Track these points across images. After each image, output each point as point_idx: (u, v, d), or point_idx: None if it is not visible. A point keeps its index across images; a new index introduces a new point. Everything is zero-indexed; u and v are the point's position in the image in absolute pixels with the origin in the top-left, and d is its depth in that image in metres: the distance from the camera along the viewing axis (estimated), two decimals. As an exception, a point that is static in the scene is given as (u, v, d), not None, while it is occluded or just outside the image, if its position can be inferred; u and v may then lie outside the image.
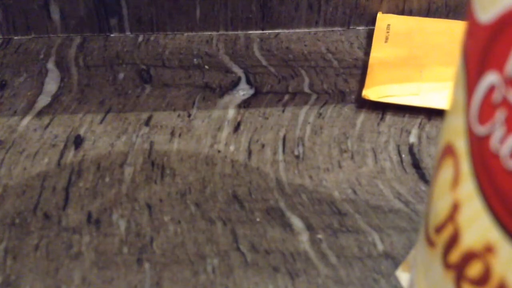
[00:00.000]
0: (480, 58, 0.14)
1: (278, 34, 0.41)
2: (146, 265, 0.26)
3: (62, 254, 0.26)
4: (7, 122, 0.33)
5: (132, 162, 0.31)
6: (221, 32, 0.42)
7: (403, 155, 0.31)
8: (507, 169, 0.13)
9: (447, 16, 0.42)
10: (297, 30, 0.42)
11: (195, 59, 0.39)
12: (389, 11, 0.42)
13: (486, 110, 0.13)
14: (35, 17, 0.40)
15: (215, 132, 0.33)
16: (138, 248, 0.26)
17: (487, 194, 0.14)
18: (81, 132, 0.33)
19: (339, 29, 0.42)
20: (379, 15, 0.42)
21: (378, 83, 0.35)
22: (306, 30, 0.42)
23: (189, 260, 0.26)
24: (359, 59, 0.39)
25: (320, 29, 0.42)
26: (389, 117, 0.34)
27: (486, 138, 0.13)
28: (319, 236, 0.27)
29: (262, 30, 0.42)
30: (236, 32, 0.42)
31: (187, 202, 0.29)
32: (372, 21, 0.42)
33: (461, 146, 0.15)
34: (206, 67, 0.38)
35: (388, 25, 0.40)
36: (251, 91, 0.36)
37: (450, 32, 0.39)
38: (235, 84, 0.37)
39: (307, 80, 0.37)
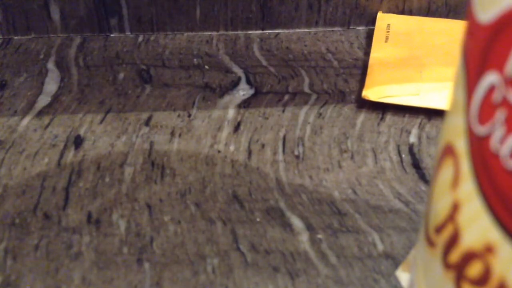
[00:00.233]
0: (480, 58, 0.14)
1: (278, 34, 0.41)
2: (146, 265, 0.26)
3: (62, 254, 0.26)
4: (7, 122, 0.33)
5: (132, 162, 0.31)
6: (221, 32, 0.42)
7: (403, 155, 0.31)
8: (507, 169, 0.13)
9: (447, 16, 0.42)
10: (297, 30, 0.42)
11: (195, 59, 0.39)
12: (389, 11, 0.42)
13: (486, 110, 0.13)
14: (35, 17, 0.40)
15: (215, 132, 0.33)
16: (138, 248, 0.26)
17: (487, 194, 0.14)
18: (81, 132, 0.33)
19: (339, 29, 0.42)
20: (379, 15, 0.42)
21: (378, 84, 0.35)
22: (306, 30, 0.42)
23: (189, 260, 0.26)
24: (359, 59, 0.39)
25: (320, 29, 0.42)
26: (389, 117, 0.34)
27: (486, 138, 0.13)
28: (319, 236, 0.27)
29: (262, 30, 0.42)
30: (236, 32, 0.42)
31: (187, 202, 0.28)
32: (372, 21, 0.42)
33: (461, 146, 0.15)
34: (206, 67, 0.38)
35: (388, 25, 0.40)
36: (251, 91, 0.36)
37: (450, 32, 0.39)
38: (235, 84, 0.37)
39: (307, 80, 0.37)
